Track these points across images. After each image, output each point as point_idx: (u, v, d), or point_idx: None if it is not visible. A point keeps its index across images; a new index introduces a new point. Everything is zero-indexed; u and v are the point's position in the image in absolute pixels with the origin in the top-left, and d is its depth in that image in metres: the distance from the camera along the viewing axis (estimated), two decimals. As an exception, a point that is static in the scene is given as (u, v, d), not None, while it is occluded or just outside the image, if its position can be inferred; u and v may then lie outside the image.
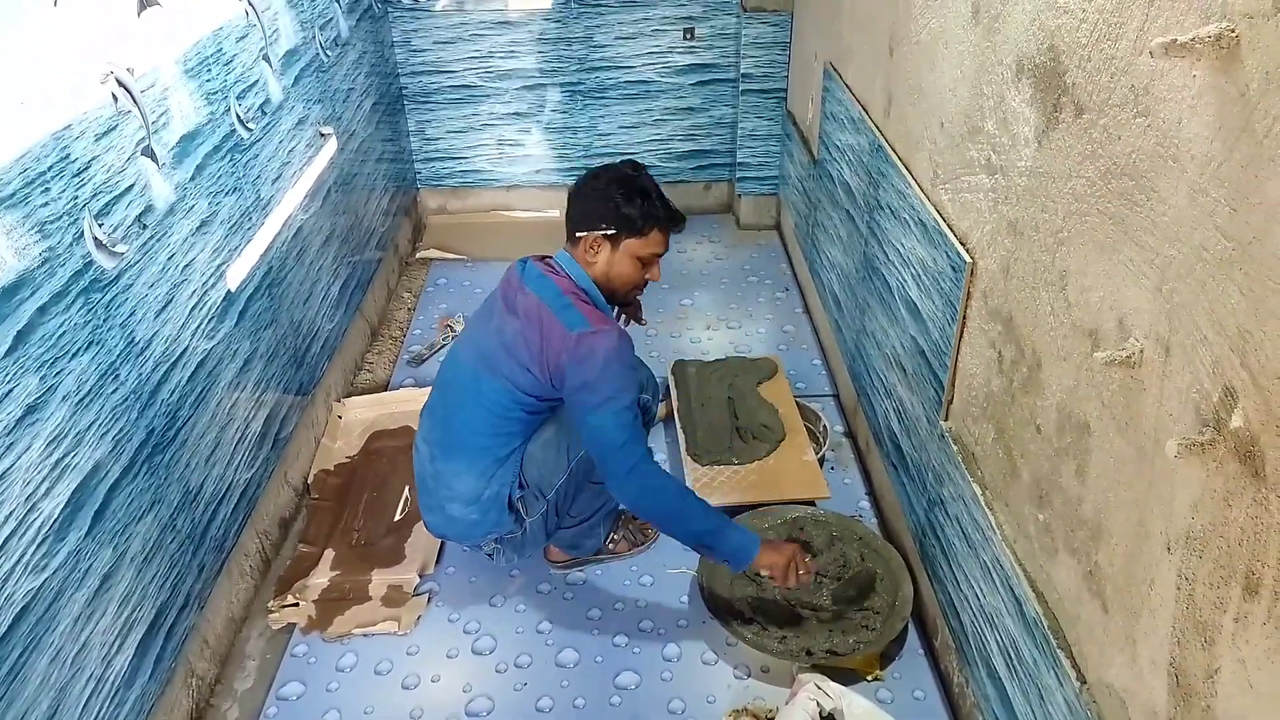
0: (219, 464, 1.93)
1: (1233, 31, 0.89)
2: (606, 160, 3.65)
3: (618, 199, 1.82)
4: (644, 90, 3.60)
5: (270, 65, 2.28)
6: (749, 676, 1.89)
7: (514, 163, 3.75)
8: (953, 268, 1.68)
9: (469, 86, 3.57)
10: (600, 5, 3.43)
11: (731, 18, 3.47)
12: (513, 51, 3.51)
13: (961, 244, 1.66)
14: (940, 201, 1.79)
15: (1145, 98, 1.06)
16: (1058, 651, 1.28)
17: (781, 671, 1.88)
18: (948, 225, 1.73)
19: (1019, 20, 1.40)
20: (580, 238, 1.86)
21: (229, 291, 1.99)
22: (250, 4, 2.18)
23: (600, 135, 3.68)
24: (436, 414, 1.97)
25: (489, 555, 2.00)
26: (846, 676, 1.84)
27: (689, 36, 3.52)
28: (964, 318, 1.66)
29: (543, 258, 1.92)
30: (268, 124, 2.24)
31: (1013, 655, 1.45)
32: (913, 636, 1.96)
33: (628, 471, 1.75)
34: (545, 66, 3.55)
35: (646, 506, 1.81)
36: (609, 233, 1.83)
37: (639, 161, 1.95)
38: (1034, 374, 1.38)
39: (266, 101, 2.25)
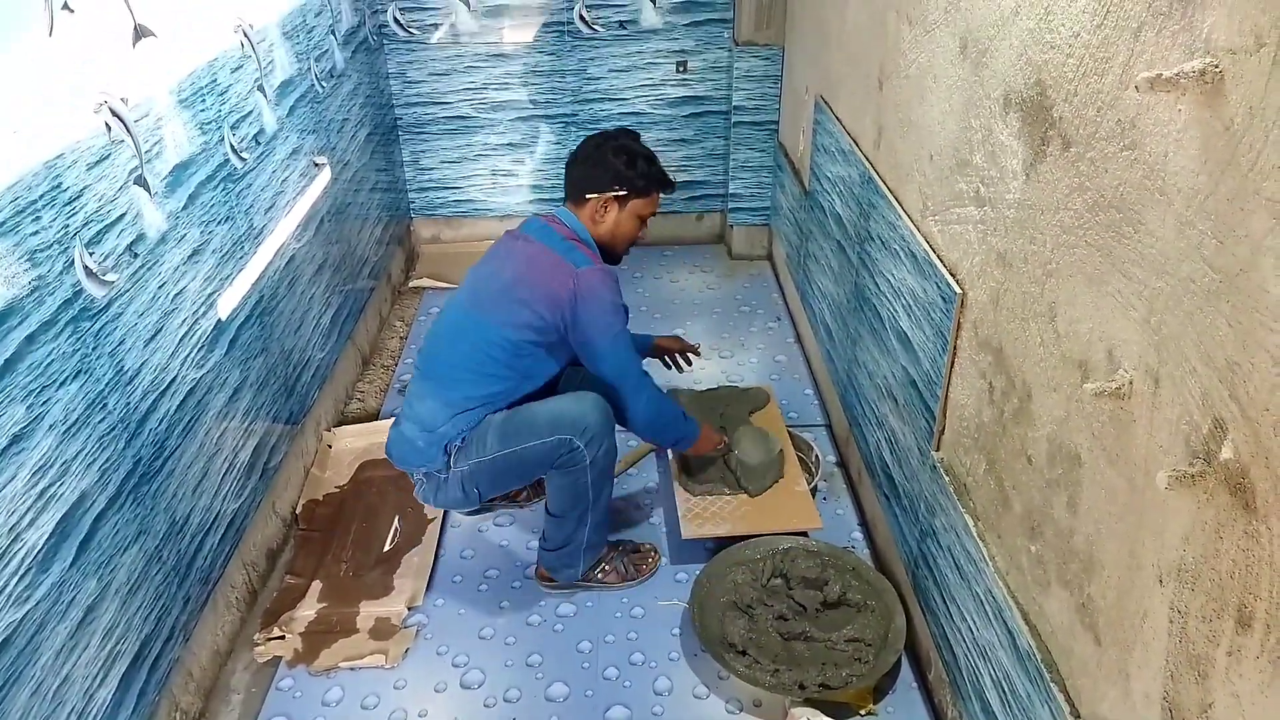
0: (206, 494, 1.91)
1: (1216, 67, 0.90)
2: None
3: (626, 163, 2.00)
4: (637, 122, 3.62)
5: (265, 96, 2.29)
6: (741, 710, 1.87)
7: (508, 193, 3.77)
8: (943, 298, 1.69)
9: (463, 117, 3.59)
10: (594, 38, 3.47)
11: (724, 51, 3.51)
12: (506, 83, 3.54)
13: (951, 275, 1.67)
14: (930, 233, 1.80)
15: (1132, 131, 1.07)
16: (1051, 685, 1.27)
17: (774, 705, 1.86)
18: (937, 256, 1.74)
19: (1006, 55, 1.42)
20: (589, 199, 2.02)
21: (219, 320, 1.99)
22: (246, 35, 2.20)
23: (593, 166, 3.70)
24: (426, 351, 2.10)
25: (415, 483, 2.11)
26: (839, 710, 1.82)
27: (682, 69, 3.56)
28: (954, 349, 1.67)
29: (539, 216, 2.12)
30: (262, 154, 2.25)
31: (1006, 689, 1.44)
32: (906, 669, 1.94)
33: (646, 399, 2.01)
34: (539, 98, 3.58)
35: (656, 424, 2.09)
36: (619, 194, 2.01)
37: (632, 129, 2.15)
38: (1024, 405, 1.38)
39: (261, 131, 2.26)
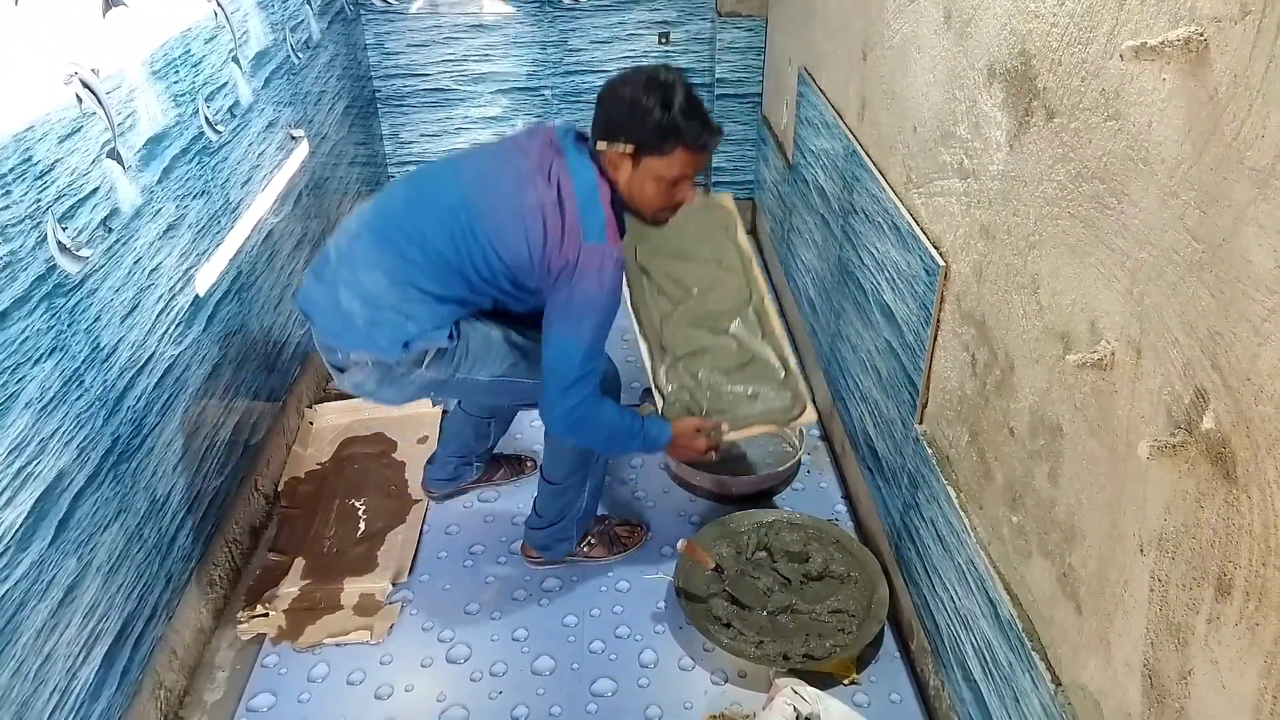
0: (187, 472, 1.89)
1: (1201, 35, 0.89)
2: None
3: (639, 111, 1.63)
4: (619, 94, 3.59)
5: (240, 67, 2.25)
6: (726, 682, 1.88)
7: (489, 167, 3.73)
8: (926, 271, 1.69)
9: (443, 90, 3.55)
10: (575, 9, 3.42)
11: (706, 22, 3.48)
12: (487, 55, 3.50)
13: (935, 247, 1.67)
14: (914, 205, 1.80)
15: (1116, 101, 1.06)
16: (1032, 654, 1.28)
17: (759, 676, 1.88)
18: (921, 229, 1.74)
19: (990, 25, 1.41)
20: (601, 151, 1.70)
21: (197, 296, 1.96)
22: (219, 5, 2.15)
23: (575, 139, 3.67)
24: (390, 210, 1.78)
25: (338, 370, 1.84)
26: (823, 680, 1.83)
27: (664, 41, 3.52)
28: (938, 321, 1.67)
29: (579, 135, 1.78)
30: (237, 126, 2.21)
31: (988, 658, 1.45)
32: (889, 640, 1.96)
33: (567, 410, 1.74)
34: (520, 70, 3.53)
35: (577, 438, 1.88)
36: (628, 149, 1.67)
37: (674, 66, 1.78)
38: (1007, 377, 1.38)
39: (236, 104, 2.22)
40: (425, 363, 1.77)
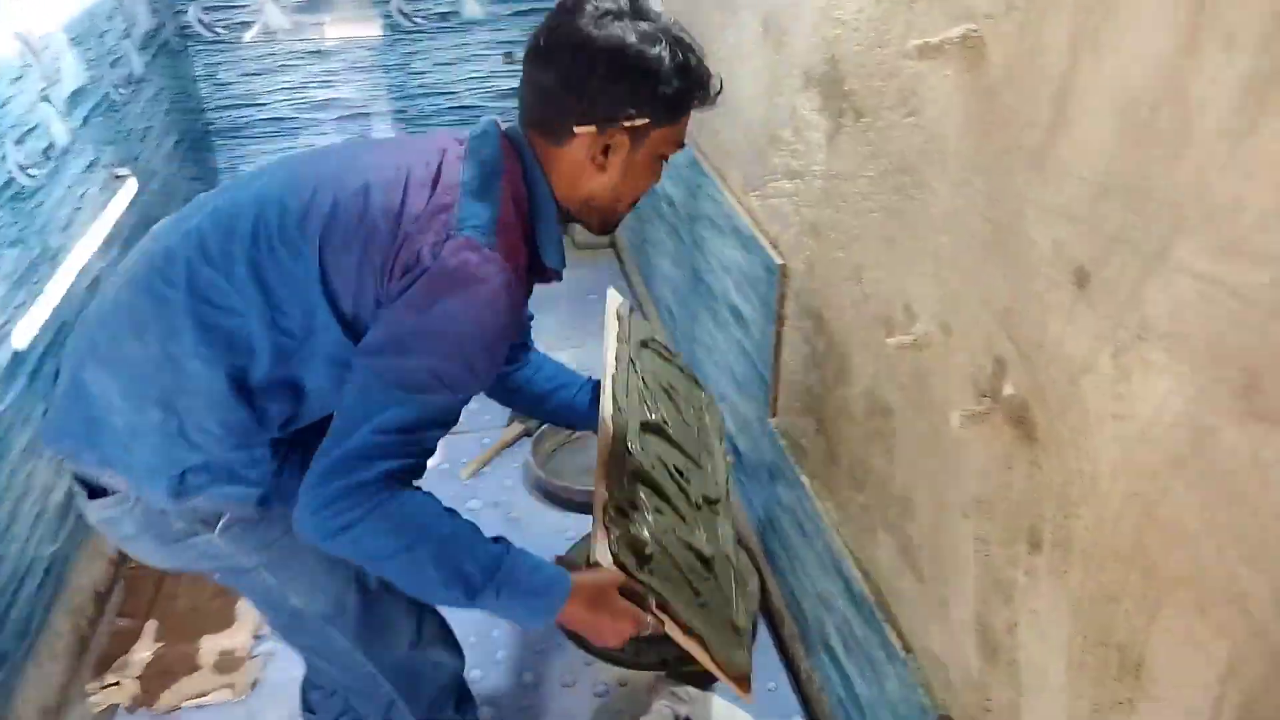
0: (16, 540, 1.76)
1: (975, 31, 0.97)
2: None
3: (650, 69, 1.13)
4: (470, 115, 3.57)
5: (53, 106, 2.13)
6: (608, 693, 1.88)
7: (338, 196, 3.64)
8: (766, 270, 1.75)
9: (282, 119, 3.44)
10: (416, 31, 3.39)
11: (548, 42, 3.50)
12: (328, 81, 3.42)
13: (773, 247, 1.73)
14: (752, 208, 1.86)
15: (912, 99, 1.13)
16: (884, 626, 1.34)
17: (640, 683, 1.89)
18: (760, 230, 1.80)
19: (802, 33, 1.48)
20: (580, 134, 1.15)
21: (16, 352, 1.84)
22: (26, 42, 2.03)
23: (426, 164, 3.62)
24: (179, 231, 1.17)
25: (85, 486, 1.21)
26: (703, 679, 1.86)
27: (509, 60, 3.53)
28: (780, 318, 1.73)
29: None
30: (53, 169, 2.08)
31: (848, 635, 1.51)
32: (764, 631, 2.00)
33: (341, 491, 1.05)
34: (363, 95, 3.47)
35: (354, 551, 1.09)
36: (639, 123, 1.15)
37: None
38: (843, 365, 1.45)
39: (50, 145, 2.09)
40: (219, 527, 1.20)
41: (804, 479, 1.65)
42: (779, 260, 1.69)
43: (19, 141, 1.94)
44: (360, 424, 1.06)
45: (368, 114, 3.50)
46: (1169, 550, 0.77)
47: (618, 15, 1.14)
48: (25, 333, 1.88)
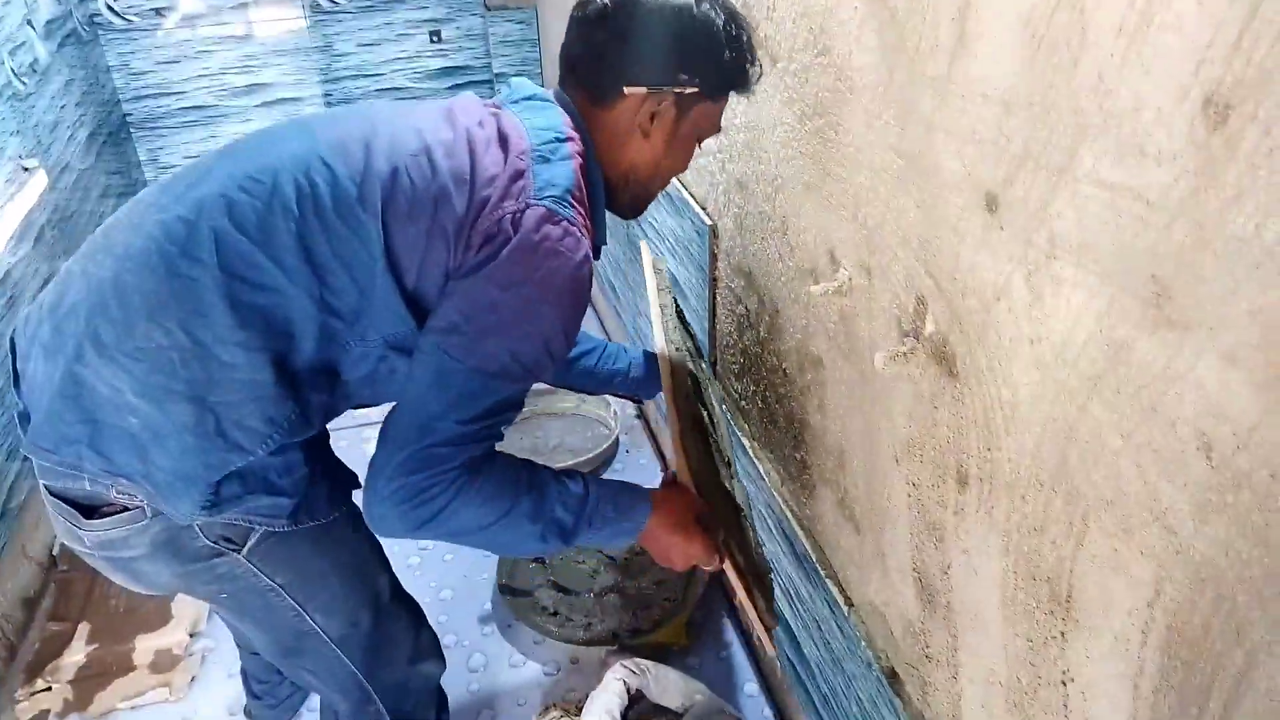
0: (-73, 547, 1.68)
1: (878, -39, 0.94)
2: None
3: (708, 36, 1.11)
4: (398, 96, 3.49)
5: (-56, 94, 2.02)
6: (559, 671, 1.85)
7: (268, 186, 3.54)
8: (697, 233, 1.72)
9: (202, 107, 3.33)
10: (337, 10, 3.30)
11: (476, 18, 3.43)
12: (247, 66, 3.31)
13: (702, 208, 1.70)
14: (680, 170, 1.83)
15: (823, 37, 1.10)
16: (826, 581, 1.32)
17: (591, 660, 1.86)
18: (689, 193, 1.77)
19: (716, -18, 1.44)
20: (629, 95, 1.12)
21: (-84, 350, 1.74)
22: (-93, 26, 1.92)
23: (358, 149, 3.54)
24: (178, 195, 1.04)
25: (75, 509, 1.05)
26: (656, 652, 1.84)
27: (436, 39, 3.45)
28: (714, 279, 1.70)
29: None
30: (-52, 160, 1.98)
31: (793, 594, 1.49)
32: (717, 600, 1.99)
33: (418, 487, 1.01)
34: (285, 79, 3.37)
35: (434, 535, 1.07)
36: (689, 90, 1.12)
37: None
38: (774, 321, 1.42)
39: (-56, 135, 1.99)
40: (249, 545, 1.11)
41: (745, 441, 1.63)
42: (709, 220, 1.65)
43: (-90, 133, 1.84)
44: (442, 414, 1.01)
45: (295, 99, 3.40)
46: (1090, 472, 0.75)
47: None
48: (-75, 333, 1.78)
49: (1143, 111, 0.63)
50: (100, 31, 3.12)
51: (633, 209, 1.24)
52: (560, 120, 1.11)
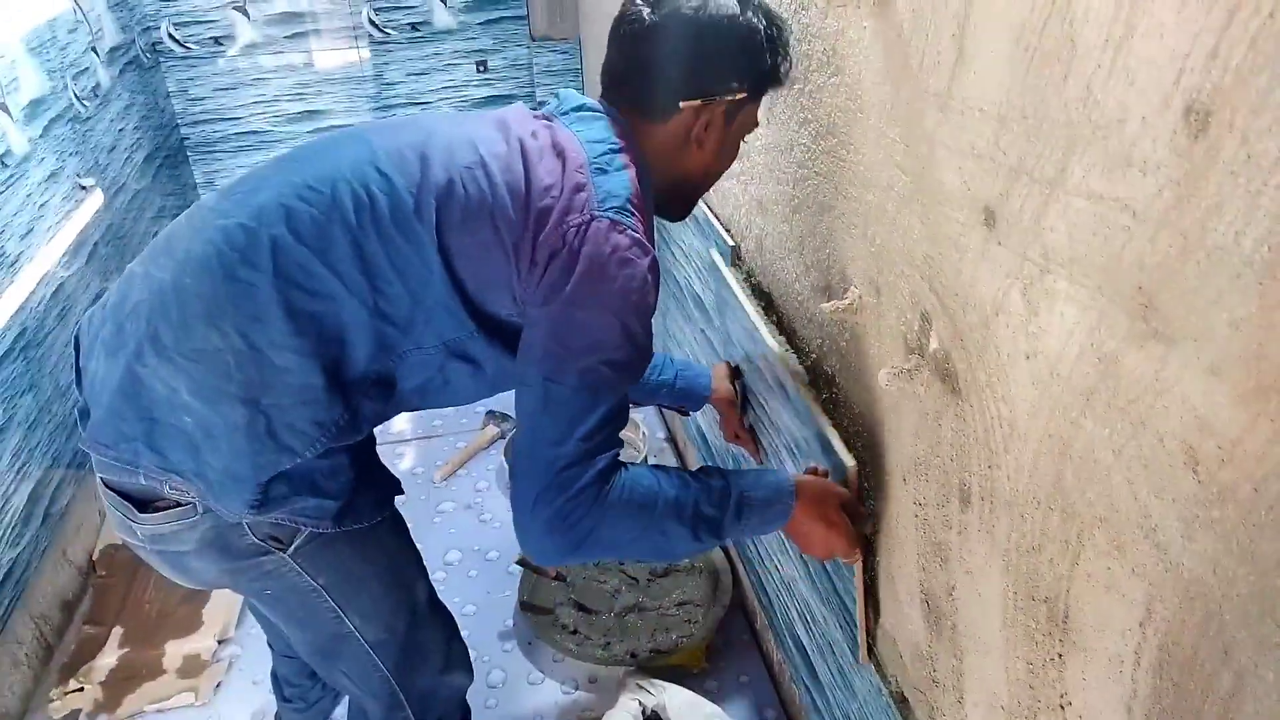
0: (-29, 546, 1.74)
1: (884, -21, 0.95)
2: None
3: (748, 39, 1.12)
4: (443, 125, 3.57)
5: (9, 115, 2.12)
6: (576, 689, 1.85)
7: (316, 208, 3.63)
8: (721, 254, 1.73)
9: (257, 133, 3.45)
10: (387, 42, 3.39)
11: (522, 48, 3.51)
12: (300, 94, 3.42)
13: (725, 230, 1.71)
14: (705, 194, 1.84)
15: (835, 57, 1.11)
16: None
17: (609, 679, 1.85)
18: (713, 214, 1.78)
19: (740, 7, 1.46)
20: (686, 108, 1.13)
21: (-29, 357, 1.83)
22: (-22, 51, 2.03)
23: (403, 173, 3.62)
24: (242, 201, 1.08)
25: (129, 501, 1.09)
26: (674, 673, 1.82)
27: (482, 69, 3.53)
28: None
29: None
30: (10, 177, 2.08)
31: (808, 618, 1.47)
32: (740, 624, 1.97)
33: (561, 512, 1.03)
34: (337, 107, 3.47)
35: (589, 556, 1.10)
36: (738, 97, 1.14)
37: None
38: (792, 340, 1.42)
39: (7, 153, 2.09)
40: (294, 545, 1.13)
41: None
42: (731, 242, 1.66)
43: (-25, 151, 1.94)
44: (562, 437, 1.02)
45: (341, 127, 3.49)
46: (1084, 489, 0.74)
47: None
48: (-20, 340, 1.86)
49: (1128, 122, 0.63)
50: (161, 59, 3.25)
51: (681, 213, 1.27)
52: (612, 131, 1.13)
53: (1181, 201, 0.60)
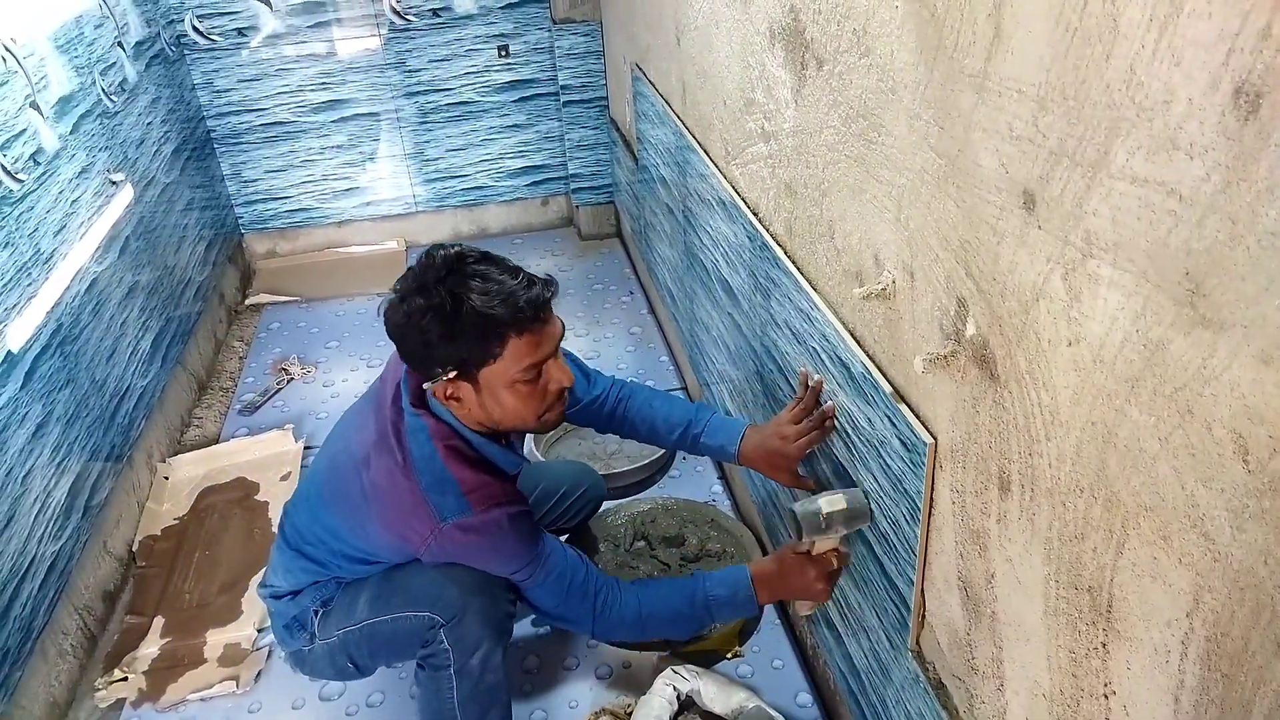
0: (16, 537, 1.78)
1: (918, -40, 0.93)
2: (437, 184, 3.64)
3: (439, 334, 1.28)
4: (467, 111, 3.57)
5: (40, 113, 2.15)
6: (611, 674, 1.86)
7: (341, 197, 3.65)
8: (749, 238, 1.71)
9: (282, 123, 3.46)
10: (409, 29, 3.39)
11: (543, 31, 3.49)
12: (324, 83, 3.43)
13: (753, 213, 1.69)
14: (733, 177, 1.83)
15: (865, 38, 1.09)
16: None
17: (643, 665, 1.86)
18: (741, 198, 1.77)
19: (766, -13, 1.44)
20: (434, 389, 1.36)
21: (10, 352, 1.85)
22: (7, 49, 2.05)
23: (428, 160, 3.62)
24: (312, 490, 1.57)
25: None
26: (707, 658, 1.83)
27: (504, 53, 3.51)
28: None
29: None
30: (42, 174, 2.10)
31: (843, 604, 1.47)
32: (772, 609, 1.97)
33: (593, 627, 1.50)
34: (360, 95, 3.47)
35: (631, 637, 1.61)
36: (449, 376, 1.32)
37: (463, 249, 1.34)
38: (823, 325, 1.41)
39: (39, 150, 2.11)
40: (316, 625, 1.55)
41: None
42: (759, 226, 1.65)
43: (4, 147, 1.96)
44: (569, 596, 1.48)
45: (371, 114, 3.51)
46: (1129, 477, 0.73)
47: (414, 300, 1.29)
48: (19, 334, 1.89)
49: (1174, 103, 0.61)
50: (186, 51, 3.27)
51: (541, 431, 1.59)
52: (426, 436, 1.39)
53: (1230, 186, 0.58)
